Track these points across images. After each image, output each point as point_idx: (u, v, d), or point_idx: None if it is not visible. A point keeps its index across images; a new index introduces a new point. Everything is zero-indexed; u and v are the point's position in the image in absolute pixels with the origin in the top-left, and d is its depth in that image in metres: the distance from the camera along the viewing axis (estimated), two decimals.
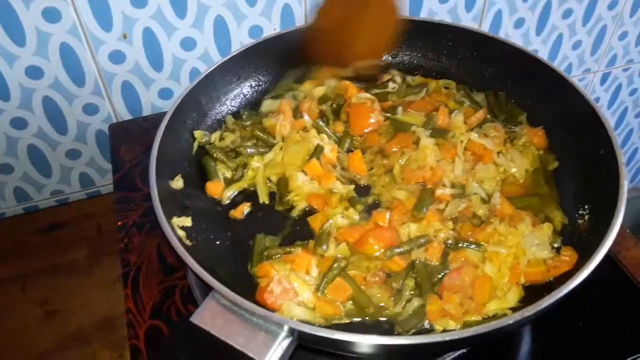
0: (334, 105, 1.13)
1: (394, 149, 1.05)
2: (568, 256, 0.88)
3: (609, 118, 2.22)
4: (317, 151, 1.02)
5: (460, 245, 0.90)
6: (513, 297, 0.85)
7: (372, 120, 1.05)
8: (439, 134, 1.06)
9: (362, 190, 1.02)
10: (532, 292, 0.87)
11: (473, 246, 0.90)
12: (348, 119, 1.09)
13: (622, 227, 1.42)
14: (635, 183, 2.57)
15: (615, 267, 1.10)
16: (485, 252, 0.89)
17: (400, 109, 1.11)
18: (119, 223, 1.17)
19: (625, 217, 2.66)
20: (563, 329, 0.98)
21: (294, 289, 0.81)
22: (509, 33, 1.73)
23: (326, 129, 1.08)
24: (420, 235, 0.91)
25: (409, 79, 1.21)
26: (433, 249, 0.88)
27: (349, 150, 1.07)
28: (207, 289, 0.75)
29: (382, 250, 0.88)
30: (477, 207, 0.95)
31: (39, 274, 1.36)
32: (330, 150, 1.02)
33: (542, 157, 1.05)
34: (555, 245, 0.92)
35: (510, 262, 0.87)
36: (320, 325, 0.78)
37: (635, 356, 0.94)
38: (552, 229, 0.93)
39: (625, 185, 0.86)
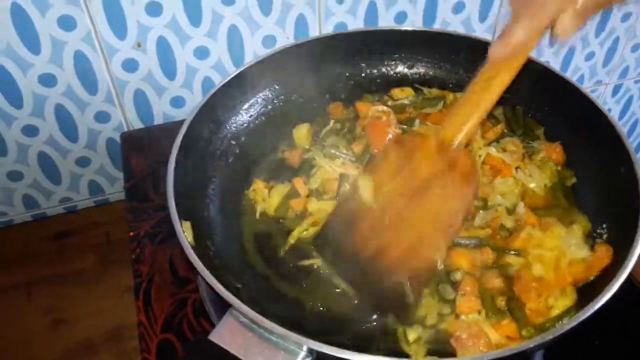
0: (346, 129, 1.13)
1: None
2: (604, 251, 0.87)
3: None
4: (344, 179, 1.00)
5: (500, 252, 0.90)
6: (571, 294, 0.85)
7: (390, 136, 1.04)
8: None
9: None
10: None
11: (512, 252, 0.90)
12: (365, 133, 1.08)
13: None
14: None
15: (631, 285, 1.08)
16: (526, 257, 0.89)
17: (417, 121, 1.10)
18: (131, 233, 1.15)
19: None
20: (577, 348, 0.96)
21: (484, 332, 0.80)
22: None
23: (339, 152, 1.06)
24: (471, 236, 0.91)
25: (425, 91, 1.20)
26: (487, 252, 0.89)
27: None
28: (226, 305, 0.73)
29: None
30: (504, 218, 0.94)
31: (46, 281, 1.34)
32: (353, 170, 1.00)
33: (560, 173, 1.04)
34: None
35: (554, 264, 0.87)
36: None
37: None
38: (582, 231, 0.93)
39: None
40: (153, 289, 1.06)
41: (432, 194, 0.85)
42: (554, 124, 1.10)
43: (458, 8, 1.56)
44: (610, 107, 2.09)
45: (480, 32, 1.64)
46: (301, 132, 1.12)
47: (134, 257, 1.11)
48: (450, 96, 1.17)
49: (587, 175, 1.01)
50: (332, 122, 1.13)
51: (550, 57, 1.82)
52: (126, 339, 1.25)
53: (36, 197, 1.49)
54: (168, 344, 0.98)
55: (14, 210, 1.49)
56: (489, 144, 1.05)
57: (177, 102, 1.44)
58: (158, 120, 1.45)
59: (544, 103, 1.12)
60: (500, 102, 1.15)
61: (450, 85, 1.21)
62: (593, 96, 1.02)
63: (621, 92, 2.06)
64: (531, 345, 0.71)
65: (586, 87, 1.95)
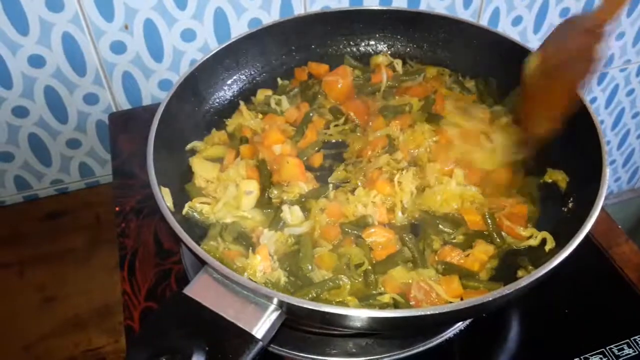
0: (310, 93, 1.17)
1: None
2: None
3: (606, 118, 2.23)
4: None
5: None
6: None
7: (339, 85, 1.11)
8: (434, 118, 1.09)
9: None
10: None
11: None
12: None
13: (614, 223, 1.45)
14: (632, 184, 2.58)
15: (607, 262, 1.11)
16: None
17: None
18: (117, 208, 1.18)
19: (624, 217, 2.67)
20: (552, 317, 1.00)
21: (434, 289, 0.84)
22: (506, 31, 1.75)
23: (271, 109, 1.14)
24: None
25: (407, 65, 1.25)
26: None
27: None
28: (201, 263, 0.76)
29: None
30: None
31: (38, 260, 1.37)
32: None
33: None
34: None
35: None
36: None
37: (619, 343, 0.96)
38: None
39: (607, 175, 0.87)
40: (137, 260, 1.09)
41: None
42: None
43: None
44: (596, 95, 2.11)
45: (464, 17, 1.66)
46: (259, 97, 1.18)
47: (120, 231, 1.14)
48: (431, 70, 1.22)
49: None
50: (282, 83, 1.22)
51: (536, 45, 1.82)
52: (114, 315, 1.28)
53: (27, 179, 1.52)
54: (151, 311, 1.00)
55: (6, 191, 1.52)
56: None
57: (165, 84, 1.47)
58: (146, 102, 1.48)
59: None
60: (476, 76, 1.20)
61: (428, 64, 1.25)
62: None
63: (607, 81, 2.08)
64: (489, 299, 0.73)
65: None
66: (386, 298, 0.84)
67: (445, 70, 1.22)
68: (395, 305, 0.84)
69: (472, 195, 0.98)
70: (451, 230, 0.95)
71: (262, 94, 1.17)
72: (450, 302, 0.80)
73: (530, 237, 0.93)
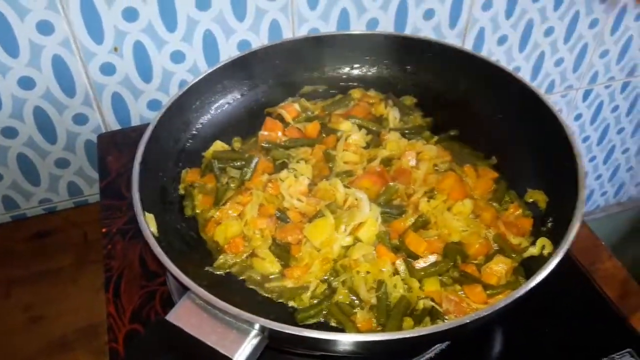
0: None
1: None
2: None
3: (592, 134, 2.27)
4: None
5: None
6: None
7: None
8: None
9: None
10: None
11: None
12: None
13: (597, 240, 1.46)
14: (618, 198, 2.61)
15: (587, 281, 1.12)
16: None
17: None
18: (104, 230, 1.19)
19: (611, 230, 2.71)
20: (530, 335, 1.02)
21: (463, 298, 0.88)
22: (492, 50, 1.79)
23: None
24: None
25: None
26: None
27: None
28: (184, 289, 0.77)
29: None
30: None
31: (25, 280, 1.37)
32: None
33: None
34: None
35: None
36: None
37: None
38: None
39: (584, 198, 0.89)
40: (123, 282, 1.09)
41: None
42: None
43: (428, 14, 1.62)
44: (582, 111, 2.15)
45: (450, 37, 1.70)
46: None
47: (106, 252, 1.15)
48: (355, 93, 1.26)
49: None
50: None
51: (521, 63, 1.88)
52: (100, 336, 1.27)
53: (16, 199, 1.52)
54: (135, 334, 1.01)
55: None
56: None
57: (154, 104, 1.48)
58: (135, 122, 1.49)
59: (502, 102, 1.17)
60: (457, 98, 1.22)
61: (411, 86, 1.27)
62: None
63: (592, 97, 2.12)
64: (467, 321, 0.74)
65: (557, 92, 2.02)
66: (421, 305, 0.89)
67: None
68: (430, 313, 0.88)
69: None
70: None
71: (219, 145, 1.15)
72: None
73: (529, 247, 0.96)
